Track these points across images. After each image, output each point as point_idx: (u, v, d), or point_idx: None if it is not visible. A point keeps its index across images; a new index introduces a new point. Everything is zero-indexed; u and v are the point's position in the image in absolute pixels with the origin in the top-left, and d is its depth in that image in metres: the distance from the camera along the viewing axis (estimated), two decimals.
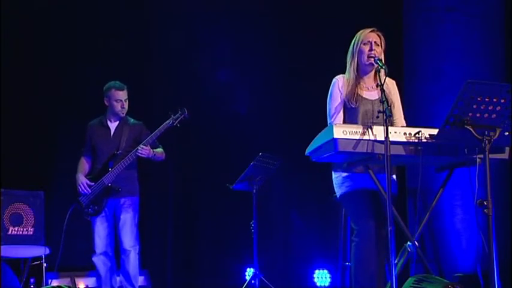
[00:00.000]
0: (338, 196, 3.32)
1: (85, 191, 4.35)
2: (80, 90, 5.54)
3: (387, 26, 3.46)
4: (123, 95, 4.46)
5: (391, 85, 3.36)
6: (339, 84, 3.29)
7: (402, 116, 3.40)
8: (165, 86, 5.82)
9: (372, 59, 3.21)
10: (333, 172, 3.32)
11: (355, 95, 3.24)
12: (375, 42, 3.25)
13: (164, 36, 5.78)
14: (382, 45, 3.28)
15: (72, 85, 5.59)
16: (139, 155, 4.30)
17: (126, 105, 4.48)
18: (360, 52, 3.25)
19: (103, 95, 4.50)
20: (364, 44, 3.25)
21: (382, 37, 3.29)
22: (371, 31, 3.28)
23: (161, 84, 5.83)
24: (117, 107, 4.46)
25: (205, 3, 5.81)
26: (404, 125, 3.35)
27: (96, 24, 5.64)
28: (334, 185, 3.32)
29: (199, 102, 5.54)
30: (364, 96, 3.27)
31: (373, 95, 3.28)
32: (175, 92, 5.71)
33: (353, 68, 3.27)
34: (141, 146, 4.30)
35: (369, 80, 3.32)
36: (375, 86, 3.27)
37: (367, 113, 3.22)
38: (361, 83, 3.29)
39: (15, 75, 5.32)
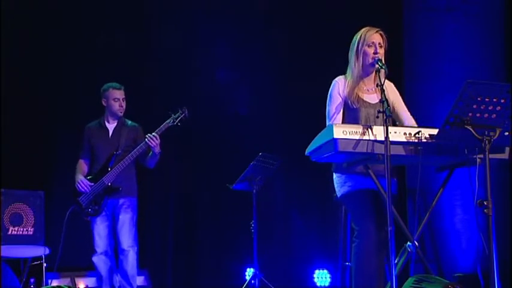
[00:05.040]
0: (339, 196, 3.32)
1: (84, 188, 4.36)
2: (80, 90, 5.54)
3: (387, 26, 3.45)
4: (120, 94, 4.51)
5: (389, 87, 3.35)
6: (339, 86, 3.28)
7: (409, 113, 3.39)
8: (164, 86, 5.81)
9: (373, 60, 3.21)
10: (334, 173, 3.32)
11: (356, 97, 3.24)
12: (379, 44, 3.24)
13: (163, 36, 5.77)
14: (385, 46, 3.27)
15: (72, 85, 5.59)
16: (149, 141, 4.28)
17: (123, 105, 4.51)
18: (365, 54, 3.23)
19: (101, 96, 4.52)
20: (369, 46, 3.22)
21: (385, 37, 3.27)
22: (376, 32, 3.26)
23: (161, 84, 5.82)
24: (115, 106, 4.48)
25: (205, 3, 5.80)
26: (414, 122, 3.34)
27: (95, 25, 5.64)
28: (335, 185, 3.32)
29: (199, 102, 5.54)
30: (364, 99, 3.26)
31: (373, 98, 3.27)
32: (175, 92, 5.71)
33: (357, 69, 3.25)
34: (153, 134, 4.29)
35: (369, 81, 3.31)
36: (374, 88, 3.27)
37: (369, 117, 3.22)
38: (361, 85, 3.29)
39: (15, 75, 5.32)
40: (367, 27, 3.28)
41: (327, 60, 4.54)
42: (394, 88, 3.41)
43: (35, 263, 4.79)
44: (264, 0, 5.88)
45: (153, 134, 4.31)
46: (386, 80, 3.27)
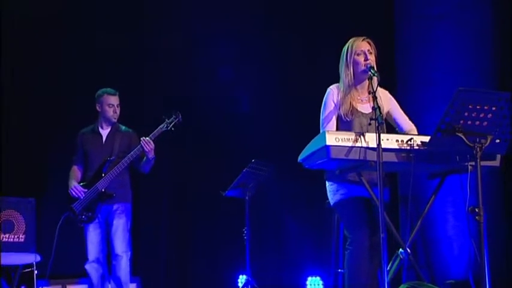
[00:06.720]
0: (332, 204, 3.33)
1: (78, 194, 4.33)
2: (73, 95, 5.52)
3: (380, 34, 3.48)
4: (115, 100, 4.49)
5: (383, 95, 3.37)
6: (333, 94, 3.31)
7: (407, 118, 3.42)
8: (158, 91, 5.81)
9: (365, 67, 3.23)
10: (326, 181, 3.33)
11: (350, 107, 3.26)
12: (368, 50, 3.27)
13: (159, 40, 5.77)
14: (374, 53, 3.30)
15: (65, 90, 5.57)
16: (144, 145, 4.26)
17: (118, 111, 4.50)
18: (355, 63, 3.26)
19: (95, 101, 4.51)
20: (358, 54, 3.26)
21: (373, 44, 3.31)
22: (362, 40, 3.30)
23: (154, 89, 5.82)
24: (110, 111, 4.47)
25: (202, 8, 5.80)
26: (413, 127, 3.36)
27: (90, 29, 5.63)
28: (328, 193, 3.33)
29: (193, 109, 5.54)
30: (358, 109, 3.28)
31: (366, 107, 3.29)
32: (169, 98, 5.70)
33: (348, 79, 3.28)
34: (148, 138, 4.28)
35: (362, 90, 3.33)
36: (368, 97, 3.29)
37: (362, 127, 3.23)
38: (355, 94, 3.30)
39: (8, 82, 5.30)
40: (354, 37, 3.32)
41: (321, 68, 4.57)
42: (390, 95, 3.43)
43: (26, 270, 4.76)
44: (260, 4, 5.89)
45: (147, 138, 4.31)
46: (381, 89, 3.30)
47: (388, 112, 3.38)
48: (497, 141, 2.95)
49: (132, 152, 4.33)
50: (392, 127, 3.44)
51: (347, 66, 3.28)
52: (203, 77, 5.84)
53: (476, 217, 2.82)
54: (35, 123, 5.50)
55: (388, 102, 3.39)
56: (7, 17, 5.21)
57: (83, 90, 5.10)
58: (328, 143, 2.91)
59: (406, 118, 3.41)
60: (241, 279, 5.59)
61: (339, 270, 4.28)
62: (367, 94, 3.31)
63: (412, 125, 3.38)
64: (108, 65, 5.59)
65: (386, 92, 3.43)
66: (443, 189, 3.30)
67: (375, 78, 3.15)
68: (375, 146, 2.88)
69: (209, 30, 5.76)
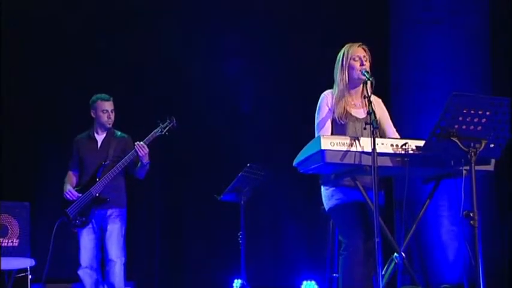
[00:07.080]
0: (327, 209, 3.33)
1: (72, 197, 4.32)
2: (68, 100, 5.51)
3: (375, 38, 3.49)
4: (109, 105, 4.48)
5: (377, 103, 3.38)
6: (327, 99, 3.32)
7: (394, 129, 3.43)
8: (157, 91, 5.80)
9: (360, 71, 3.24)
10: (321, 186, 3.33)
11: (344, 112, 3.26)
12: (364, 56, 3.28)
13: (156, 40, 5.76)
14: (369, 59, 3.32)
15: (61, 96, 5.56)
16: (138, 150, 4.25)
17: (112, 116, 4.49)
18: (351, 68, 3.27)
19: (89, 107, 4.50)
20: (354, 59, 3.27)
21: (368, 51, 3.32)
22: (358, 46, 3.31)
23: (154, 89, 5.81)
24: (104, 117, 4.46)
25: (202, 6, 5.80)
26: (399, 137, 3.37)
27: (83, 34, 5.63)
28: (323, 198, 3.32)
29: (187, 112, 5.54)
30: (352, 114, 3.30)
31: (360, 112, 3.31)
32: (163, 101, 5.69)
33: (343, 83, 3.30)
34: (142, 143, 4.28)
35: (356, 95, 3.35)
36: (361, 103, 3.30)
37: (356, 131, 3.24)
38: (349, 100, 3.32)
39: (1, 86, 5.29)
40: (349, 43, 3.34)
41: (315, 76, 4.58)
42: (382, 104, 3.45)
43: (20, 275, 4.73)
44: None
45: (141, 143, 4.30)
46: (374, 96, 3.31)
47: (378, 119, 3.38)
48: (492, 145, 2.95)
49: (126, 157, 4.32)
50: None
51: (342, 71, 3.30)
52: (197, 83, 5.84)
53: (471, 221, 2.82)
54: (30, 127, 5.49)
55: (380, 110, 3.40)
56: (7, 17, 5.19)
57: (78, 95, 5.09)
58: (323, 147, 2.91)
59: (394, 130, 3.43)
60: (236, 283, 5.58)
61: (334, 274, 4.27)
62: (360, 99, 3.32)
63: (398, 136, 3.39)
64: (107, 65, 5.58)
65: (380, 100, 3.45)
66: (438, 193, 3.30)
67: (369, 83, 3.16)
68: (370, 150, 2.89)
69: (209, 30, 5.77)
